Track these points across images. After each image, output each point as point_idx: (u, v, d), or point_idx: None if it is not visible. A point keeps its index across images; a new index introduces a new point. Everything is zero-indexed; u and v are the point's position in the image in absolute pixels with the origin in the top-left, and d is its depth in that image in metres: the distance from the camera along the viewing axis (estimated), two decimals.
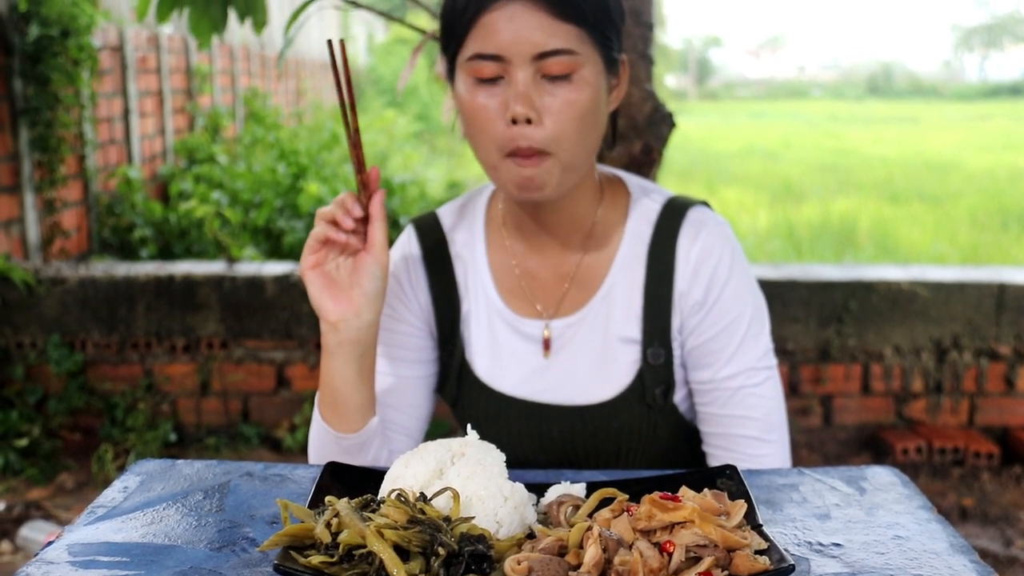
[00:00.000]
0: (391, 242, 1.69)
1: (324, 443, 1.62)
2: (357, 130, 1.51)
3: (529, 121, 1.48)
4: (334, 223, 1.51)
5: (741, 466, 1.49)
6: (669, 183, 12.09)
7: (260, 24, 2.72)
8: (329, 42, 1.45)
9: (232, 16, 2.71)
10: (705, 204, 1.72)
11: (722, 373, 1.65)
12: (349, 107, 1.49)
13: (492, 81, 1.50)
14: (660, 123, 2.80)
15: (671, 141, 2.88)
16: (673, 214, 1.67)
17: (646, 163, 2.75)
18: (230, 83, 9.75)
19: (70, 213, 6.01)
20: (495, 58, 1.48)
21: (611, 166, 1.99)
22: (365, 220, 1.53)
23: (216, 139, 8.62)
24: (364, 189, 1.52)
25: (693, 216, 1.67)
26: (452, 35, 1.54)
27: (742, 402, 1.64)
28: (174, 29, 8.18)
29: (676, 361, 1.67)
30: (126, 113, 6.91)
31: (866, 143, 20.64)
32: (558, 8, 1.47)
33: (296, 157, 8.56)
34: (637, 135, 2.76)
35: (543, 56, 1.47)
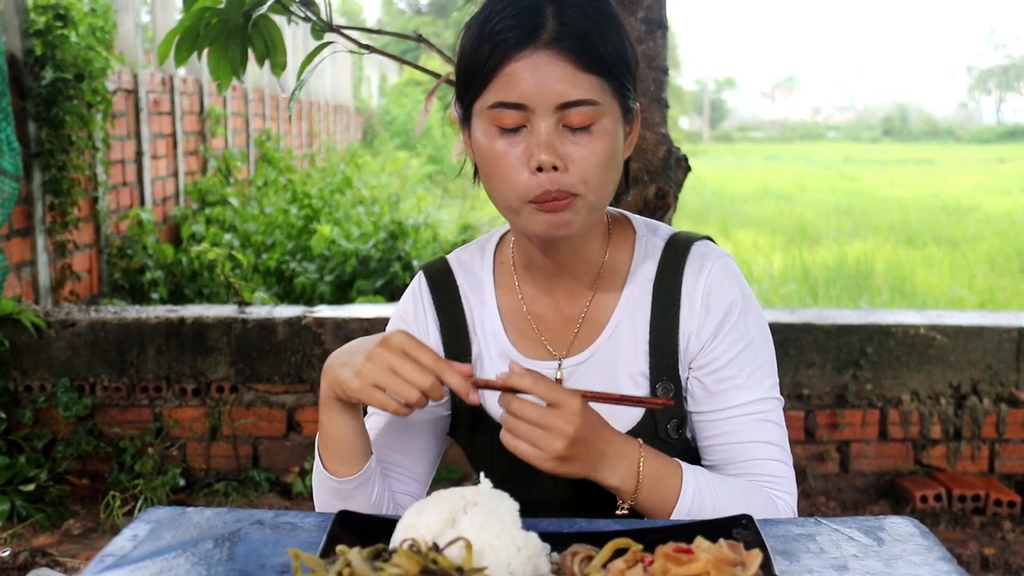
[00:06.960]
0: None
1: (328, 490, 1.62)
2: None
3: (555, 168, 1.49)
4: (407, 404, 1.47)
5: (766, 487, 1.60)
6: (683, 226, 12.05)
7: (279, 66, 2.71)
8: None
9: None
10: (708, 239, 1.74)
11: (739, 399, 1.64)
12: None
13: (514, 130, 1.51)
14: (674, 167, 2.77)
15: (685, 184, 2.84)
16: (677, 249, 1.69)
17: (660, 207, 2.72)
18: (243, 125, 9.80)
19: (81, 256, 6.01)
20: (518, 106, 1.49)
21: (625, 210, 1.97)
22: None
23: (228, 181, 8.67)
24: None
25: (697, 250, 1.69)
26: (472, 82, 1.54)
27: (759, 427, 1.64)
28: (188, 71, 8.22)
29: (685, 394, 1.68)
30: (139, 155, 6.94)
31: (882, 185, 20.68)
32: (582, 59, 1.48)
33: (308, 199, 8.61)
34: (651, 179, 2.73)
35: (566, 106, 1.48)
